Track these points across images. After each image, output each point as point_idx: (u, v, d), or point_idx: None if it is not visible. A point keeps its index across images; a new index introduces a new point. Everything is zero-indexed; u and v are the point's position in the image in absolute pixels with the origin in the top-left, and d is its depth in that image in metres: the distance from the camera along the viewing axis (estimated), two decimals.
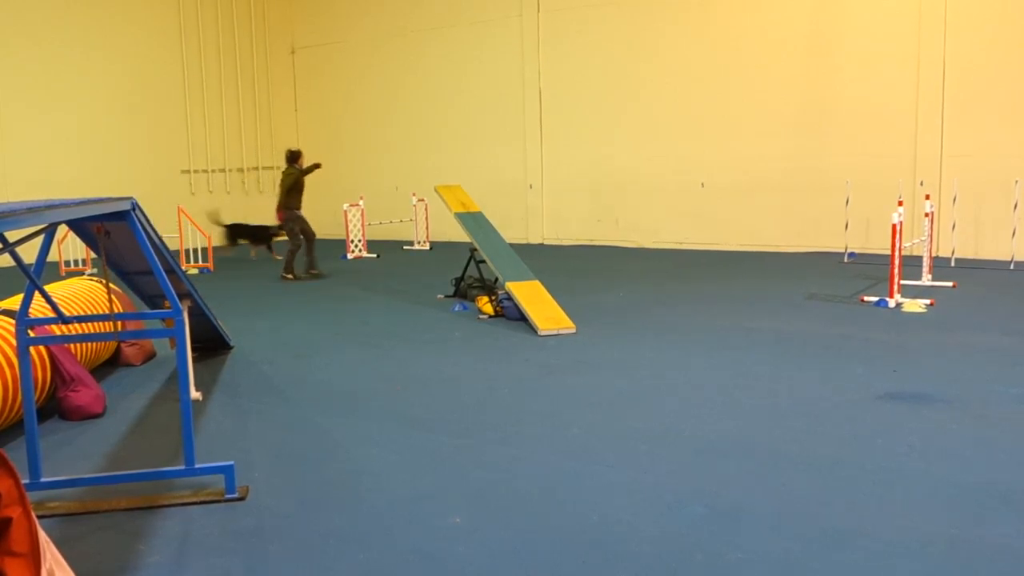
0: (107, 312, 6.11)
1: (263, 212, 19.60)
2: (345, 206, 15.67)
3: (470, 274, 10.01)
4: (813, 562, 3.41)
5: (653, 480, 4.32)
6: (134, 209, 4.44)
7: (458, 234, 10.87)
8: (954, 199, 12.26)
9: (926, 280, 10.11)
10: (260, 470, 4.61)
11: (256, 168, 19.71)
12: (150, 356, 7.46)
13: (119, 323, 6.09)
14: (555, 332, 7.96)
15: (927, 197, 10.52)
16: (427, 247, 16.62)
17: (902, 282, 9.12)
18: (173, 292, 4.29)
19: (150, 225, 5.05)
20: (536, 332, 7.99)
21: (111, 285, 5.56)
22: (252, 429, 5.40)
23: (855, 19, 13.39)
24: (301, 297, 10.75)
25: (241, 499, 4.20)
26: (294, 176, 12.02)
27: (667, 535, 3.69)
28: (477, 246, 9.46)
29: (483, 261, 9.47)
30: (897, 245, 8.94)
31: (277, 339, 8.20)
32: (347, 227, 15.52)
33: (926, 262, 10.21)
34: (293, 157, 12.18)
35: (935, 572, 3.31)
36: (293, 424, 5.49)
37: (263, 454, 4.90)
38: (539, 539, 3.70)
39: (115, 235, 5.18)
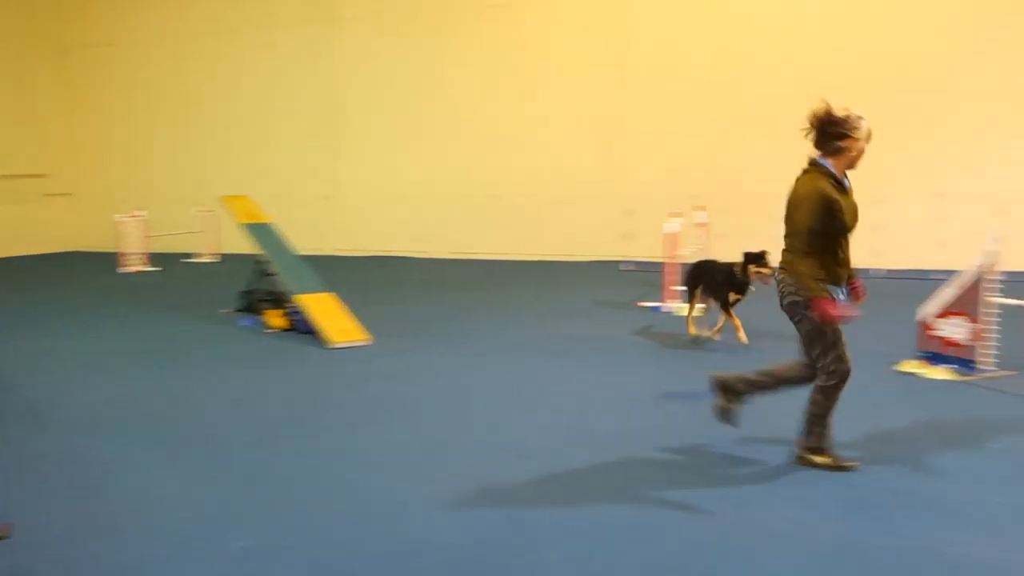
0: None
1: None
2: (118, 217, 14.71)
3: (261, 287, 9.71)
4: (607, 557, 3.64)
5: (443, 488, 4.41)
6: None
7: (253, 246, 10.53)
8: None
9: None
10: (24, 505, 4.28)
11: (22, 176, 18.14)
12: None
13: None
14: (348, 344, 7.92)
15: (702, 208, 11.37)
16: (216, 259, 15.95)
17: (675, 288, 9.77)
18: None
19: None
20: (328, 345, 7.91)
21: None
22: (10, 461, 4.99)
23: (647, 30, 14.17)
24: (72, 316, 10.03)
25: (3, 538, 3.89)
26: (808, 189, 4.38)
27: (459, 542, 3.79)
28: (268, 258, 9.22)
29: (273, 273, 9.25)
30: (673, 253, 9.59)
31: (43, 362, 7.60)
32: (124, 239, 14.59)
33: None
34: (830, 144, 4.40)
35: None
36: (61, 453, 5.12)
37: (26, 488, 4.55)
38: (332, 556, 3.69)
39: None
